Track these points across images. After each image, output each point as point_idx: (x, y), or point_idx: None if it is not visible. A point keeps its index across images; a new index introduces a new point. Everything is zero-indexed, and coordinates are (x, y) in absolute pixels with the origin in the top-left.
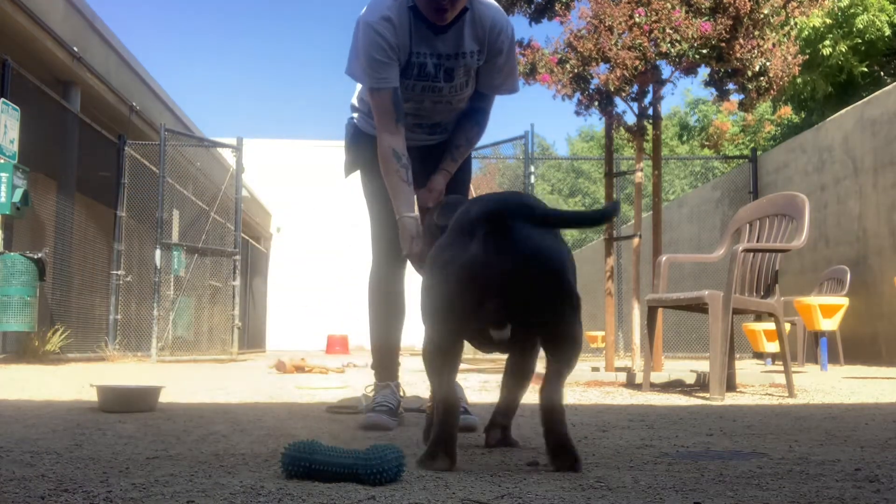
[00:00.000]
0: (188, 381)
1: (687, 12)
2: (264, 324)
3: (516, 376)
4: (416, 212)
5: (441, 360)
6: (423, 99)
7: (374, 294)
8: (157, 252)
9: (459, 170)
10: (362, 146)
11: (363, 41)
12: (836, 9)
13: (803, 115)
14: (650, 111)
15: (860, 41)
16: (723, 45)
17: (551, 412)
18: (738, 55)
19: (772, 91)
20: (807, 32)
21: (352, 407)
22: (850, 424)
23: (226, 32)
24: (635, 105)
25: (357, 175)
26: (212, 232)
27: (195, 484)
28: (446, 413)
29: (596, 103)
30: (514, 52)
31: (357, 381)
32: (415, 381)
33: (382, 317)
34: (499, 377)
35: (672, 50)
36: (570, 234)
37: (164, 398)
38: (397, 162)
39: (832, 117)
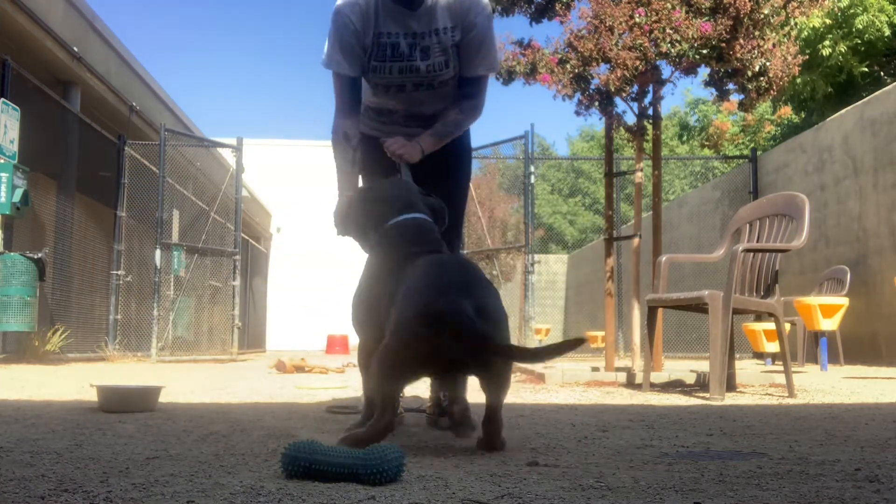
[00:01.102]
0: (188, 381)
1: (687, 12)
2: (264, 324)
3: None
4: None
5: (390, 378)
6: (403, 83)
7: None
8: (157, 252)
9: (456, 171)
10: (361, 147)
11: (331, 27)
12: (835, 9)
13: (803, 115)
14: (650, 111)
15: (860, 41)
16: (723, 45)
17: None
18: (738, 55)
19: (772, 91)
20: (807, 33)
21: (351, 407)
22: (850, 424)
23: (226, 32)
24: (635, 105)
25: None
26: (212, 232)
27: (195, 484)
28: (385, 412)
29: (596, 103)
30: (490, 28)
31: (357, 381)
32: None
33: None
34: None
35: (672, 50)
36: (569, 234)
37: (164, 398)
38: (347, 143)
39: (832, 117)
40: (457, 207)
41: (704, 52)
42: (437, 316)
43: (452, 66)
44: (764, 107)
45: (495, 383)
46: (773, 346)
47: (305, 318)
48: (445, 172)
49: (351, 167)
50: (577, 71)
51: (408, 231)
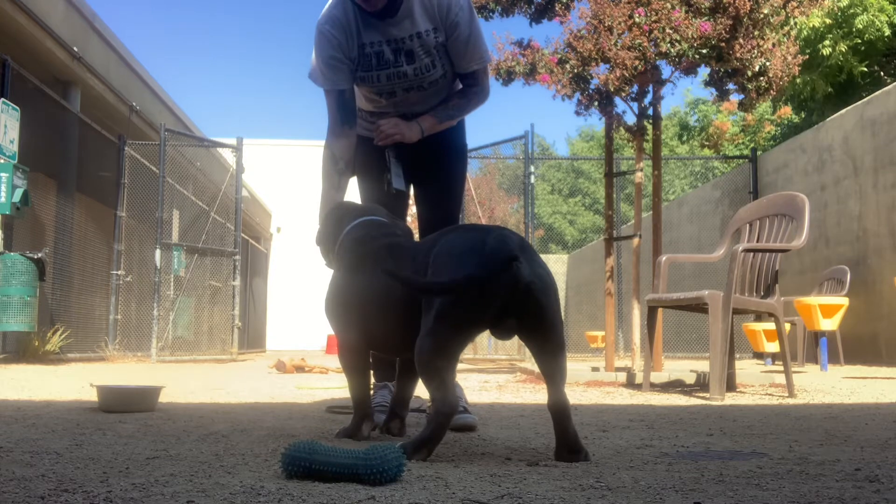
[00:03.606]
0: (188, 381)
1: (687, 12)
2: (264, 324)
3: (409, 373)
4: None
5: (448, 363)
6: (393, 89)
7: None
8: (157, 252)
9: (450, 171)
10: (356, 148)
11: (315, 44)
12: (835, 9)
13: (803, 115)
14: (650, 111)
15: (860, 41)
16: (723, 45)
17: (561, 414)
18: (738, 55)
19: (772, 91)
20: (806, 32)
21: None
22: (850, 424)
23: (226, 32)
24: (635, 105)
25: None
26: (212, 232)
27: (195, 484)
28: (448, 416)
29: (596, 103)
30: (474, 22)
31: None
32: None
33: None
34: (498, 377)
35: (672, 50)
36: (569, 234)
37: (164, 398)
38: (333, 167)
39: (832, 117)
40: (452, 208)
41: (704, 51)
42: (500, 243)
43: (440, 66)
44: (764, 107)
45: (553, 340)
46: (773, 346)
47: (305, 318)
48: (438, 173)
49: (335, 192)
50: (576, 71)
51: (366, 226)
